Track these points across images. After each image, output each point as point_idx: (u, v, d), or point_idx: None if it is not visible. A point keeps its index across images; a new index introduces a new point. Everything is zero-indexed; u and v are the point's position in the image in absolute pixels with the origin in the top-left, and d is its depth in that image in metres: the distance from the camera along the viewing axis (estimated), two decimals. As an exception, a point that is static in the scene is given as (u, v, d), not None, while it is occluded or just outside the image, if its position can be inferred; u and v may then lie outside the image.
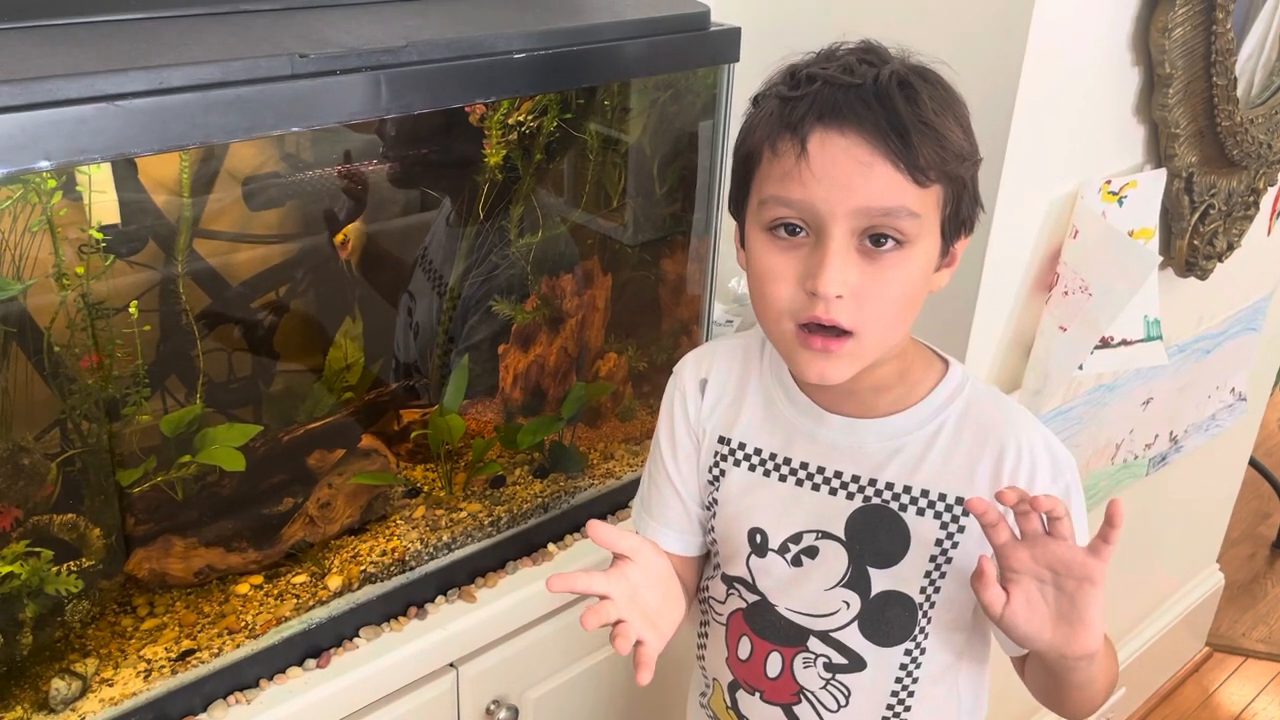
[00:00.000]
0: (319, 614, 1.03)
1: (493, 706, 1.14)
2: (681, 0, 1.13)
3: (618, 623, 0.77)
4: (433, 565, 1.11)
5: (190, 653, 0.97)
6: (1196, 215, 1.50)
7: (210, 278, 1.10)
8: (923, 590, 0.88)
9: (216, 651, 0.98)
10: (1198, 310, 1.71)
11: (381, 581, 1.08)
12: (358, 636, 1.06)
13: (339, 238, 1.17)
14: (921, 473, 0.87)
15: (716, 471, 0.94)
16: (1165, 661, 2.26)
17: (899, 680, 0.91)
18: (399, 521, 1.14)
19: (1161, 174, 1.41)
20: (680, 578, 0.94)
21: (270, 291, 1.16)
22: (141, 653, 0.96)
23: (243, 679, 0.99)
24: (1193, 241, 1.53)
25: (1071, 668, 0.82)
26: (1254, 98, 1.52)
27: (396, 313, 1.26)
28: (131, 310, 0.92)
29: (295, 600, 1.04)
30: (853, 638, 0.90)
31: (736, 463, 0.93)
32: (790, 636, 0.92)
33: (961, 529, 0.86)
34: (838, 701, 0.92)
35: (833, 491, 0.89)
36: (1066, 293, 1.33)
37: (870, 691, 0.91)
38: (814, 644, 0.91)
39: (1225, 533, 2.33)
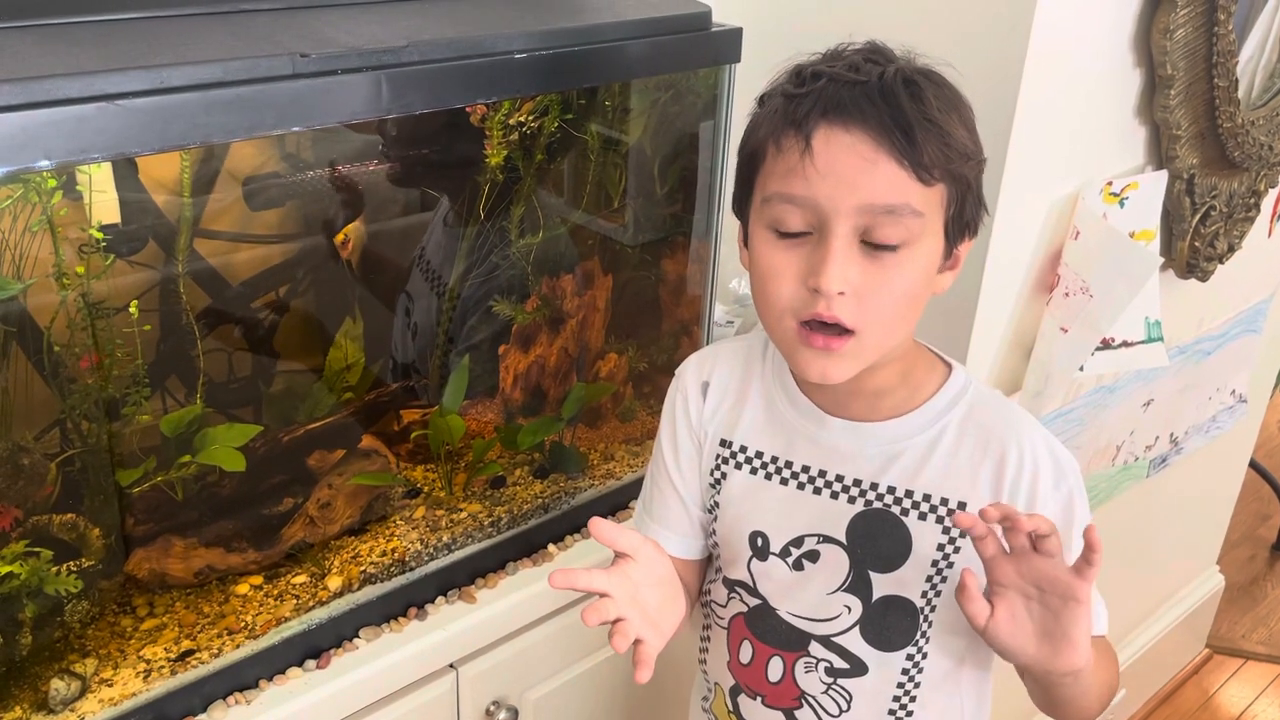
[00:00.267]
0: (319, 614, 1.03)
1: (492, 707, 1.13)
2: (683, 0, 1.13)
3: (617, 621, 0.77)
4: (433, 566, 1.11)
5: (190, 653, 0.97)
6: (1197, 217, 1.50)
7: (210, 278, 1.09)
8: (924, 595, 0.88)
9: (216, 652, 0.98)
10: (1198, 312, 1.70)
11: (381, 582, 1.08)
12: (358, 637, 1.05)
13: (339, 237, 1.17)
14: (923, 477, 0.87)
15: (718, 474, 0.94)
16: (1165, 663, 2.26)
17: (901, 685, 0.91)
18: (399, 522, 1.13)
19: (1163, 175, 1.41)
20: (682, 580, 0.94)
21: (270, 291, 1.16)
22: (141, 653, 0.96)
23: (242, 679, 0.99)
24: (1194, 243, 1.53)
25: (1057, 683, 0.82)
26: (1254, 100, 1.52)
27: (397, 313, 1.26)
28: (132, 310, 0.92)
29: (295, 601, 1.03)
30: (854, 642, 0.90)
31: (738, 466, 0.93)
32: (791, 641, 0.92)
33: (964, 534, 0.86)
34: (839, 706, 0.92)
35: (834, 495, 0.89)
36: (1067, 294, 1.33)
37: (872, 696, 0.91)
38: (815, 648, 0.91)
39: (1225, 534, 2.33)
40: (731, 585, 0.95)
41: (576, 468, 1.26)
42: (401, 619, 1.08)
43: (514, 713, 1.14)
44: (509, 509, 1.18)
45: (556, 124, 1.12)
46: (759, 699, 0.95)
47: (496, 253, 1.17)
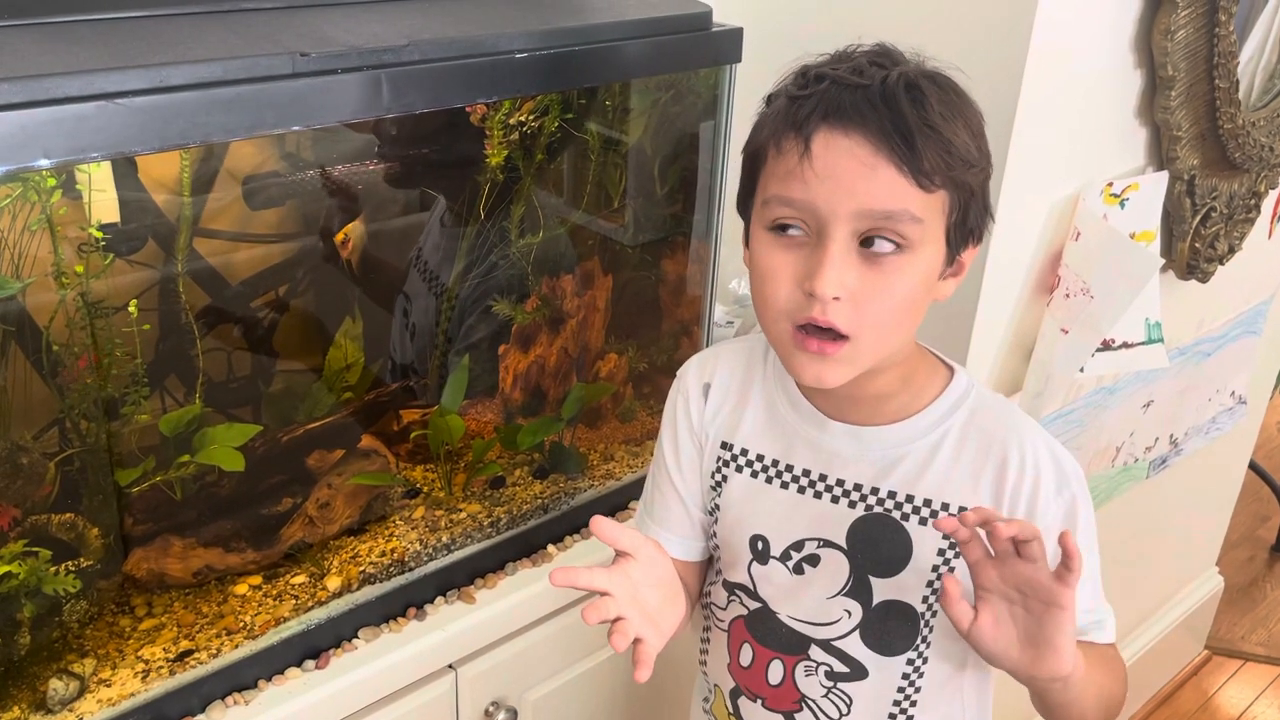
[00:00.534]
0: (318, 615, 1.03)
1: (492, 708, 1.13)
2: (683, 0, 1.13)
3: (617, 620, 0.77)
4: (432, 566, 1.11)
5: (188, 653, 0.97)
6: (1198, 218, 1.50)
7: (210, 277, 1.09)
8: (924, 600, 0.88)
9: (215, 652, 0.98)
10: (1198, 313, 1.70)
11: (381, 582, 1.08)
12: (356, 637, 1.05)
13: (339, 237, 1.17)
14: (924, 482, 0.86)
15: (719, 477, 0.94)
16: (1164, 664, 2.26)
17: (901, 690, 0.91)
18: (398, 522, 1.13)
19: (1163, 176, 1.41)
20: (682, 581, 0.93)
21: (270, 291, 1.15)
22: (140, 653, 0.96)
23: (241, 680, 0.98)
24: (1194, 244, 1.53)
25: (1044, 689, 0.82)
26: (1255, 101, 1.52)
27: (395, 313, 1.26)
28: (131, 309, 0.92)
29: (294, 601, 1.03)
30: (854, 647, 0.90)
31: (739, 469, 0.93)
32: (791, 644, 0.92)
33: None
34: (839, 710, 0.92)
35: (834, 499, 0.89)
36: (1068, 295, 1.33)
37: (872, 700, 0.91)
38: (815, 652, 0.91)
39: (1225, 536, 2.33)
40: (732, 588, 0.95)
41: (576, 468, 1.25)
42: (401, 619, 1.08)
43: (513, 713, 1.14)
44: (508, 509, 1.18)
45: (557, 124, 1.12)
46: (759, 701, 0.95)
47: (497, 252, 1.17)
